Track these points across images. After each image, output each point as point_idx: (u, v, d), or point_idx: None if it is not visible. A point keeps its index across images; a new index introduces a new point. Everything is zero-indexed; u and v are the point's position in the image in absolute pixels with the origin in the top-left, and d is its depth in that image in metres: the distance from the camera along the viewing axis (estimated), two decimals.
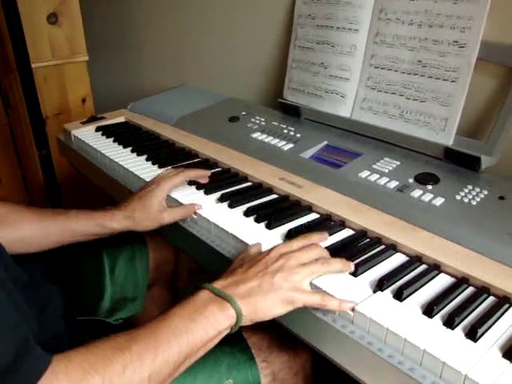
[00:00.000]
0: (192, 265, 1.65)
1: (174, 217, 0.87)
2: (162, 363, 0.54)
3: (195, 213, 0.86)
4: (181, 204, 0.89)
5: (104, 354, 0.51)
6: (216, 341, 0.62)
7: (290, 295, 0.62)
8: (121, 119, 1.42)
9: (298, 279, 0.63)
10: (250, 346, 0.82)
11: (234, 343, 0.81)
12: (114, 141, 1.24)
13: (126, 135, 1.28)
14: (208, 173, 0.98)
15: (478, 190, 0.83)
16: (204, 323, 0.59)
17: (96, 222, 0.88)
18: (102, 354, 0.51)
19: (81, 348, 0.52)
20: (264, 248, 0.73)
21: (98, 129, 1.33)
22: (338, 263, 0.67)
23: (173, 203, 0.91)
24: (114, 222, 0.88)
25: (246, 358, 0.80)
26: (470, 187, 0.84)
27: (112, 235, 0.91)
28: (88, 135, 1.30)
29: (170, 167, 1.04)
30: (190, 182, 0.96)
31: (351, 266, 0.67)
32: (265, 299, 0.62)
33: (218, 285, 0.63)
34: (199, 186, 0.95)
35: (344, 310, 0.61)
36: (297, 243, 0.69)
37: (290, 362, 0.84)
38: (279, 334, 0.85)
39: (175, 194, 0.92)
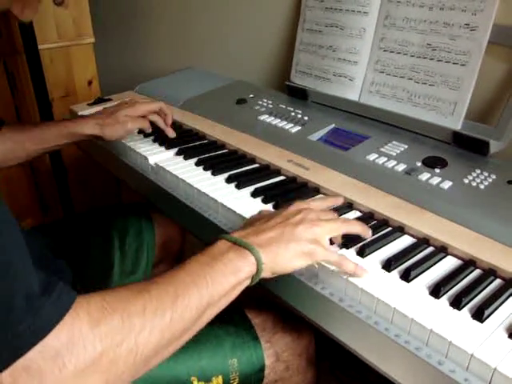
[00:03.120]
0: (198, 248, 1.66)
1: (135, 124, 1.01)
2: (182, 306, 0.52)
3: (204, 193, 0.86)
4: (186, 183, 0.90)
5: (123, 296, 0.50)
6: (237, 292, 0.59)
7: (310, 247, 0.61)
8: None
9: (320, 232, 0.63)
10: (254, 326, 0.82)
11: (239, 323, 0.81)
12: None
13: None
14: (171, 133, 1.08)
15: (486, 174, 0.83)
16: (223, 270, 0.57)
17: (67, 130, 1.00)
18: (120, 295, 0.50)
19: (99, 291, 0.50)
20: None
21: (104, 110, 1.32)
22: (359, 225, 0.67)
23: (173, 179, 0.93)
24: (85, 127, 0.99)
25: (250, 338, 0.80)
26: (478, 171, 0.84)
27: (80, 141, 1.03)
28: None
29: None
30: (198, 163, 0.96)
31: (369, 233, 0.67)
32: (285, 249, 0.61)
33: (237, 234, 0.62)
34: (206, 167, 0.95)
35: (358, 275, 0.61)
36: (314, 203, 0.70)
37: (294, 343, 0.84)
38: (282, 315, 0.86)
39: (182, 175, 0.92)
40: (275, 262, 0.60)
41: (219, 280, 0.56)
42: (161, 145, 1.08)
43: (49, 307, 0.43)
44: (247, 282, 0.60)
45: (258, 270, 0.59)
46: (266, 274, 0.60)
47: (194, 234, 0.91)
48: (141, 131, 1.16)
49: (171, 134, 1.07)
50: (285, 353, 0.83)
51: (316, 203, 0.70)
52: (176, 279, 0.55)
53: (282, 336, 0.84)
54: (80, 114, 1.30)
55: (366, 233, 0.67)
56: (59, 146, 1.02)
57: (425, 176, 0.83)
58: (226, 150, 1.05)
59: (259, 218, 0.67)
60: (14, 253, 0.44)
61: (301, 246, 0.61)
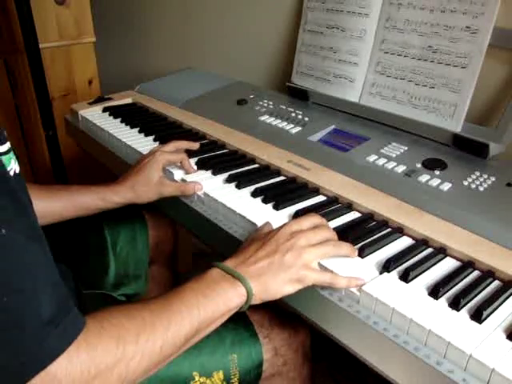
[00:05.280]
0: (196, 248, 1.66)
1: (173, 191, 0.89)
2: (173, 335, 0.55)
3: (204, 193, 0.86)
4: (186, 182, 0.90)
5: (119, 322, 0.52)
6: (225, 318, 0.62)
7: (299, 274, 0.63)
8: (128, 100, 1.42)
9: (309, 258, 0.64)
10: (253, 323, 0.83)
11: (237, 320, 0.82)
12: (122, 121, 1.24)
13: (133, 116, 1.28)
14: (197, 144, 1.01)
15: (485, 176, 0.83)
16: (215, 299, 0.59)
17: (98, 196, 0.91)
18: (116, 321, 0.52)
19: (96, 314, 0.52)
20: (273, 227, 0.73)
21: (105, 109, 1.33)
22: (348, 247, 0.67)
23: (173, 179, 0.93)
24: (116, 196, 0.91)
25: (248, 334, 0.81)
26: (478, 173, 0.84)
27: (114, 208, 0.93)
28: (95, 115, 1.30)
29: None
30: (198, 166, 0.97)
31: (356, 254, 0.68)
32: (275, 278, 0.62)
33: (229, 263, 0.64)
34: (206, 167, 0.95)
35: (353, 287, 0.62)
36: (307, 221, 0.69)
37: (291, 338, 0.85)
38: (279, 312, 0.87)
39: (185, 176, 0.92)
40: (265, 291, 0.63)
41: (211, 309, 0.59)
42: (161, 144, 1.08)
43: (53, 339, 0.45)
44: (236, 310, 0.62)
45: (248, 300, 0.62)
46: (255, 301, 0.63)
47: (194, 233, 0.91)
48: (141, 130, 1.16)
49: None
50: (282, 348, 0.84)
51: (308, 222, 0.70)
52: (171, 307, 0.57)
53: (279, 332, 0.85)
54: (80, 112, 1.31)
55: (354, 254, 0.68)
56: (90, 212, 0.94)
57: (424, 178, 0.84)
58: (227, 150, 1.05)
59: (252, 243, 0.67)
60: (28, 278, 0.46)
61: (290, 274, 0.63)
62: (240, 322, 0.82)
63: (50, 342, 0.45)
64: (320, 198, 0.85)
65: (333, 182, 0.87)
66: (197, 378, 0.75)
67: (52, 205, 0.90)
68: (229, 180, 0.90)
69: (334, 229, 0.72)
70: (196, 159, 0.98)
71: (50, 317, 0.46)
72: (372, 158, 0.91)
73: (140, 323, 0.53)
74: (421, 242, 0.71)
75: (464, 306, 0.58)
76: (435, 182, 0.82)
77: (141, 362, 0.52)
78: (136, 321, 0.53)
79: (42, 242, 0.50)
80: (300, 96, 1.24)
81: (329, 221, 0.76)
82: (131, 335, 0.51)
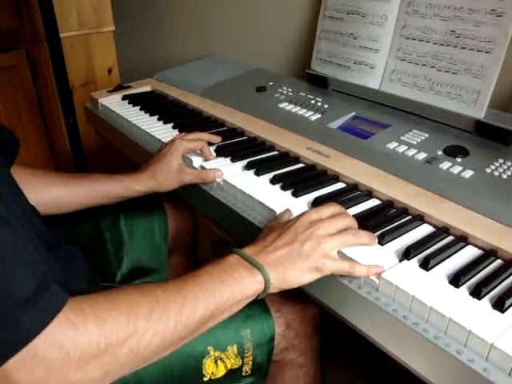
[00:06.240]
0: (215, 237, 1.67)
1: (193, 178, 0.90)
2: (187, 316, 0.55)
3: (223, 180, 0.86)
4: (205, 170, 0.90)
5: (131, 298, 0.52)
6: (241, 306, 0.62)
7: (318, 263, 0.62)
8: (147, 88, 1.43)
9: (327, 248, 0.63)
10: (264, 298, 0.83)
11: None
12: (141, 109, 1.24)
13: (152, 103, 1.28)
14: (218, 138, 1.01)
15: (509, 163, 0.82)
16: (232, 285, 0.59)
17: (120, 184, 0.92)
18: (129, 297, 0.52)
19: (109, 291, 0.53)
20: (293, 215, 0.73)
21: (124, 97, 1.34)
22: (367, 236, 0.66)
23: (193, 166, 0.94)
24: (137, 184, 0.92)
25: (261, 309, 0.82)
26: (501, 161, 0.82)
27: (135, 197, 0.94)
28: (115, 103, 1.31)
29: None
30: (217, 153, 0.96)
31: (376, 241, 0.67)
32: (293, 267, 0.62)
33: (248, 251, 0.63)
34: (225, 154, 0.95)
35: (372, 275, 0.61)
36: (327, 210, 0.68)
37: (302, 312, 0.86)
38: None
39: (204, 163, 0.92)
40: (283, 280, 0.62)
41: (227, 295, 0.59)
42: (181, 132, 1.08)
43: (30, 318, 0.45)
44: (252, 298, 0.62)
45: (265, 289, 0.61)
46: (272, 290, 0.63)
47: (213, 220, 0.91)
48: (160, 118, 1.16)
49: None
50: (294, 321, 0.85)
51: (327, 211, 0.68)
52: (186, 289, 0.57)
53: (290, 305, 0.85)
54: (100, 101, 1.32)
55: (374, 242, 0.67)
56: (112, 200, 0.95)
57: (446, 165, 0.82)
58: (246, 137, 1.05)
59: (271, 232, 0.67)
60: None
61: (308, 263, 0.62)
62: None
63: (26, 321, 0.44)
64: (339, 186, 0.84)
65: (352, 169, 0.86)
66: (211, 353, 0.76)
67: (73, 192, 0.91)
68: (248, 167, 0.89)
69: (354, 216, 0.71)
70: (215, 146, 0.98)
71: (27, 297, 0.45)
72: (392, 145, 0.90)
73: (153, 301, 0.53)
74: (441, 230, 0.70)
75: (486, 294, 0.57)
76: (457, 170, 0.81)
77: (153, 339, 0.52)
78: (150, 298, 0.53)
79: (8, 223, 0.49)
80: (319, 83, 1.23)
81: (348, 208, 0.75)
82: (143, 311, 0.51)
